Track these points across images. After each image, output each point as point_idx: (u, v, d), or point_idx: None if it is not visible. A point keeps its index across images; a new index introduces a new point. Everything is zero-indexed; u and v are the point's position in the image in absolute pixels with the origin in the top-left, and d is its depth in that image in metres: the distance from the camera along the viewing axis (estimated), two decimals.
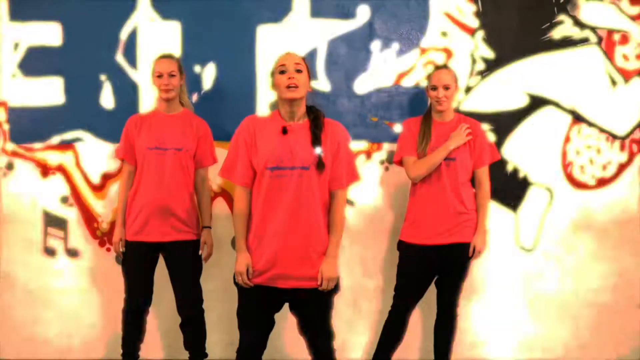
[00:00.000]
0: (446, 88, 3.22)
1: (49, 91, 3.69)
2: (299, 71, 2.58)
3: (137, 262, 3.26)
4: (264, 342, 2.70)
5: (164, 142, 3.24)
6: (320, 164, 2.55)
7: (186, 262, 3.29)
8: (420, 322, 3.71)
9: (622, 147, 3.72)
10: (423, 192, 3.25)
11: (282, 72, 2.58)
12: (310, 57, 3.67)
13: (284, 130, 2.58)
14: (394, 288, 3.33)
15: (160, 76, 3.26)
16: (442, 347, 3.35)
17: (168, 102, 3.30)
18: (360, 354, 3.74)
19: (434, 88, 3.24)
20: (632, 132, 3.72)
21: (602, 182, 3.73)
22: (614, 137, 3.72)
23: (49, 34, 3.67)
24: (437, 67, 3.38)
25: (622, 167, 3.73)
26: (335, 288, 2.65)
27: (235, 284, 2.65)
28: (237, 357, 2.68)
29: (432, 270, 3.29)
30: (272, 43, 3.66)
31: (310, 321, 2.67)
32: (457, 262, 3.25)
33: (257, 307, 2.63)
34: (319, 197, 2.58)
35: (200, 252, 3.34)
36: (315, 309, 2.64)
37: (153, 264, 3.31)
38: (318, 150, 2.57)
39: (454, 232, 3.21)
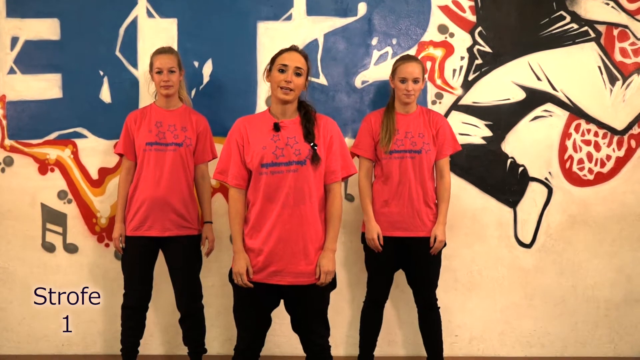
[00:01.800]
0: (415, 81, 3.20)
1: (48, 86, 3.69)
2: (298, 74, 2.55)
3: (136, 258, 3.26)
4: (262, 339, 2.70)
5: (164, 138, 3.24)
6: (315, 157, 2.54)
7: (186, 257, 3.29)
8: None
9: (621, 143, 3.72)
10: (388, 184, 3.23)
11: (281, 71, 2.55)
12: (309, 53, 3.65)
13: (276, 127, 2.57)
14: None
15: (159, 72, 3.25)
16: (431, 343, 3.33)
17: (167, 98, 3.30)
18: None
19: (403, 80, 3.21)
20: (630, 127, 3.72)
21: (600, 178, 3.73)
22: (613, 132, 3.72)
23: (47, 29, 3.67)
24: (405, 58, 3.29)
25: (620, 163, 3.73)
26: (333, 284, 2.65)
27: (231, 281, 2.63)
28: (234, 355, 2.68)
29: (393, 262, 3.28)
30: (272, 39, 3.66)
31: (306, 318, 2.66)
32: (421, 256, 3.23)
33: (253, 305, 2.61)
34: (315, 192, 2.57)
35: (202, 247, 3.35)
36: (311, 305, 2.63)
37: (152, 260, 3.31)
38: (312, 143, 2.55)
39: (418, 225, 3.21)
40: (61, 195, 3.71)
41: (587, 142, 3.73)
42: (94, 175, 3.71)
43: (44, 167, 3.71)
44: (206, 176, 3.36)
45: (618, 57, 3.70)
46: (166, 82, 3.24)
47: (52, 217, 3.72)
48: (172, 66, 3.25)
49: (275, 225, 2.54)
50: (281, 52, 2.62)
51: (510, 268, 3.73)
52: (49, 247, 3.73)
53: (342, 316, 3.68)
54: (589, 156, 3.73)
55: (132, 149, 3.29)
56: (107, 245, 3.71)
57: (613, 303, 3.76)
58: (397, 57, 3.42)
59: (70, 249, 3.73)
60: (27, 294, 3.73)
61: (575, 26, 3.69)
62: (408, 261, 3.27)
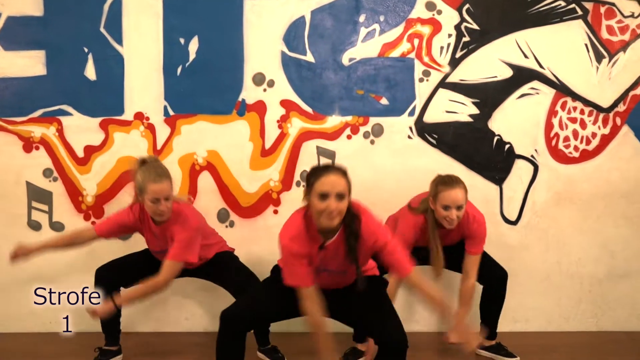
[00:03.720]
0: (459, 208, 3.07)
1: (31, 63, 3.64)
2: (341, 198, 2.38)
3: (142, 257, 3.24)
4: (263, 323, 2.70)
5: (162, 247, 3.14)
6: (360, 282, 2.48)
7: (224, 267, 3.29)
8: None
9: (606, 120, 3.74)
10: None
11: (323, 197, 2.37)
12: (296, 30, 3.64)
13: (321, 248, 2.51)
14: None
15: (156, 201, 2.96)
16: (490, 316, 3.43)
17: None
18: None
19: (447, 208, 3.06)
20: (616, 105, 3.74)
21: (586, 155, 3.75)
22: (599, 110, 3.74)
23: (30, 4, 3.61)
24: (447, 182, 3.11)
25: (605, 140, 3.75)
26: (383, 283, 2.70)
27: (272, 272, 2.68)
28: (224, 321, 2.56)
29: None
30: (259, 15, 3.63)
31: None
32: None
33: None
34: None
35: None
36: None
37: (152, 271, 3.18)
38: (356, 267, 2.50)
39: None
40: (46, 173, 3.69)
41: (573, 120, 3.74)
42: (80, 153, 3.69)
43: (28, 145, 3.68)
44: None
45: (605, 34, 3.70)
46: (162, 212, 2.99)
47: (37, 196, 3.70)
48: (169, 194, 2.99)
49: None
50: (319, 173, 2.42)
51: (496, 245, 3.74)
52: (35, 226, 3.71)
53: None
54: (575, 134, 3.75)
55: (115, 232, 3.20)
56: (93, 223, 3.70)
57: (596, 279, 3.81)
58: (438, 179, 3.17)
59: (57, 227, 3.71)
60: (13, 272, 3.71)
61: (563, 3, 3.68)
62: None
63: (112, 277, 3.22)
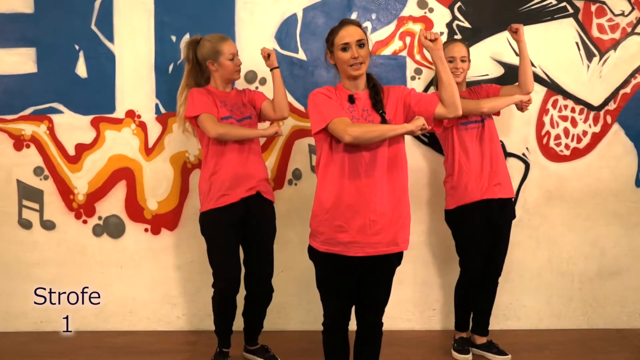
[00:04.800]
0: (463, 60, 3.28)
1: (22, 61, 3.63)
2: (361, 46, 2.50)
3: (228, 230, 3.11)
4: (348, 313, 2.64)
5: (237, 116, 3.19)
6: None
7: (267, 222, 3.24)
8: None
9: (597, 119, 3.76)
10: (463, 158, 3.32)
11: (344, 50, 2.49)
12: (288, 28, 3.64)
13: (351, 99, 2.54)
14: (461, 259, 3.42)
15: (232, 59, 3.12)
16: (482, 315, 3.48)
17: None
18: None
19: (452, 60, 3.25)
20: (606, 103, 3.76)
21: (577, 153, 3.77)
22: (589, 108, 3.75)
23: (20, 1, 3.59)
24: (449, 40, 3.40)
25: (596, 138, 3.77)
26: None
27: (311, 258, 2.60)
28: (323, 330, 2.64)
29: (485, 222, 3.35)
30: (251, 13, 3.63)
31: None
32: (503, 217, 3.36)
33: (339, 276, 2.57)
34: (388, 161, 2.52)
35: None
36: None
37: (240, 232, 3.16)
38: (380, 111, 2.51)
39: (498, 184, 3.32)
40: (37, 171, 3.67)
41: (564, 118, 3.76)
42: (71, 151, 3.67)
43: (19, 143, 3.66)
44: None
45: (595, 33, 3.72)
46: (240, 67, 3.16)
47: (28, 194, 3.68)
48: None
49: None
50: (335, 30, 2.55)
51: None
52: (26, 224, 3.69)
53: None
54: (566, 132, 3.77)
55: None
56: (85, 221, 3.69)
57: (587, 277, 3.83)
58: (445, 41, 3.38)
59: (48, 225, 3.70)
60: (4, 271, 3.70)
61: (554, 2, 3.69)
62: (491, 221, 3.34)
63: (236, 279, 3.13)
